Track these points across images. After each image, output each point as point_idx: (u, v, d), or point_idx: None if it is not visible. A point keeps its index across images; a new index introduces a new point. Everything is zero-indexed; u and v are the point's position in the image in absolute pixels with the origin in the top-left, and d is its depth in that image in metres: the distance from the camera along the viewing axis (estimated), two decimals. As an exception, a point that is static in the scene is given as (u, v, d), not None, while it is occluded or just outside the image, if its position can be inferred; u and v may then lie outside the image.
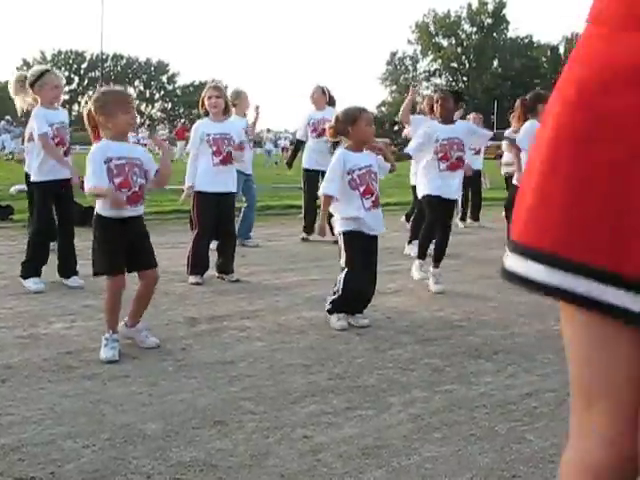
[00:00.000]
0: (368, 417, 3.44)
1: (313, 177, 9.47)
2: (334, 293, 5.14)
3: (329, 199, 5.14)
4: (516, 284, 1.48)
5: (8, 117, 35.82)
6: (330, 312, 5.14)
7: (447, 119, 6.61)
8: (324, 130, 9.28)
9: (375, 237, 5.28)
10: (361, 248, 5.14)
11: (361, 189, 5.14)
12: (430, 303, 6.00)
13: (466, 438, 3.24)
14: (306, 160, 9.66)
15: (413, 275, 6.91)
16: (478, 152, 11.94)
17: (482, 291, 6.58)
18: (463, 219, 12.01)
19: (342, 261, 5.15)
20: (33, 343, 4.47)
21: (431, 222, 6.74)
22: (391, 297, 6.19)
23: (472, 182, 12.00)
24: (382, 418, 3.44)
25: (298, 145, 9.88)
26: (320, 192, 5.28)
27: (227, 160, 6.59)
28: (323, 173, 8.85)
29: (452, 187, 6.60)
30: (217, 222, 6.65)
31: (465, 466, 2.97)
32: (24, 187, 7.36)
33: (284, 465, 2.89)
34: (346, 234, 5.12)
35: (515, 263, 1.47)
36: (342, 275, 5.09)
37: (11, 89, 6.27)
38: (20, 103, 6.23)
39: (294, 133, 9.84)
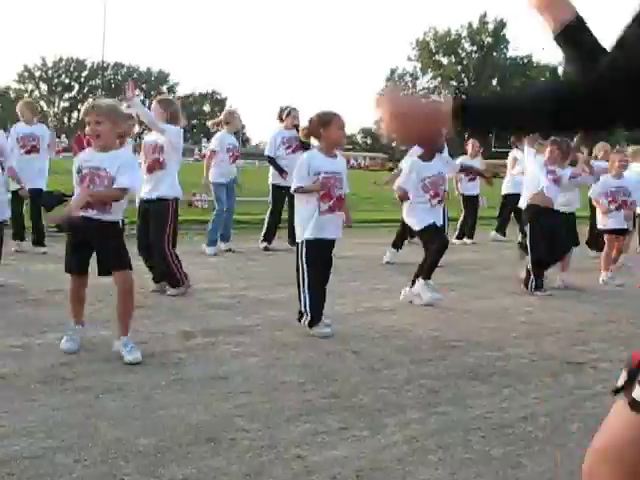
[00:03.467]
0: (363, 438, 3.41)
1: (281, 193, 9.90)
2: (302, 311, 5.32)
3: (302, 188, 5.35)
4: None
5: None
6: (311, 325, 5.27)
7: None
8: (297, 146, 9.55)
9: (331, 242, 5.42)
10: (318, 256, 5.30)
11: (321, 193, 5.31)
12: (426, 322, 5.97)
13: (462, 461, 3.21)
14: (275, 176, 10.03)
15: (423, 297, 6.67)
16: (473, 179, 12.08)
17: (478, 311, 6.57)
18: (460, 237, 12.05)
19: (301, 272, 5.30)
20: (26, 353, 4.43)
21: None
22: (387, 315, 6.16)
23: (470, 204, 12.13)
24: (377, 439, 3.41)
25: (273, 160, 10.10)
26: (292, 188, 5.45)
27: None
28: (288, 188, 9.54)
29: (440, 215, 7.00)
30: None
31: (460, 490, 2.94)
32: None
33: (277, 485, 2.86)
34: (304, 243, 5.28)
35: None
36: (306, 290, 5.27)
37: None
38: None
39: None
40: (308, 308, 5.25)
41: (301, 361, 4.62)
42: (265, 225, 10.22)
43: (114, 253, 4.48)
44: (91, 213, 4.41)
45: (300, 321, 5.30)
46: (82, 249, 4.50)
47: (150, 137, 6.67)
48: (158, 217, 6.52)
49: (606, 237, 8.78)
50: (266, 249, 9.99)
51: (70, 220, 4.42)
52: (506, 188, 12.04)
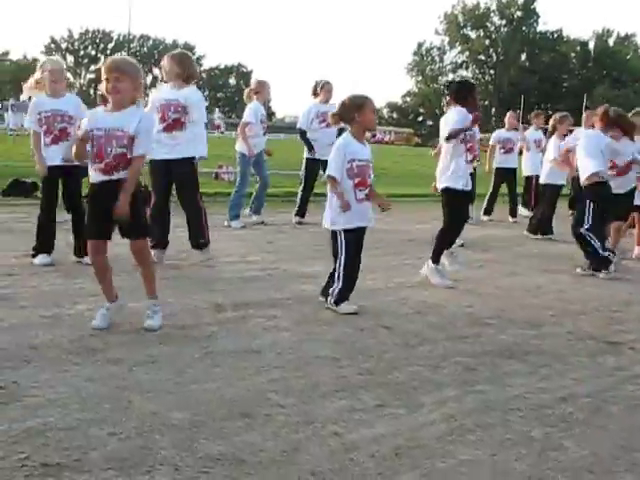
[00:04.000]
0: (400, 416, 3.34)
1: (314, 167, 9.85)
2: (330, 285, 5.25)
3: (335, 181, 5.16)
4: None
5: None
6: (337, 303, 5.17)
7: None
8: None
9: (364, 229, 5.31)
10: (353, 242, 5.21)
11: (356, 180, 5.17)
12: (459, 298, 5.87)
13: (501, 442, 3.13)
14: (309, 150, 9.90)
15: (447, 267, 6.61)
16: (509, 151, 11.81)
17: (510, 288, 6.45)
18: (487, 213, 11.90)
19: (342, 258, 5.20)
20: (57, 323, 4.40)
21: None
22: (419, 290, 6.07)
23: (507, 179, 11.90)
24: (414, 417, 3.34)
25: (304, 134, 9.96)
26: (327, 173, 5.26)
27: None
28: (324, 162, 9.26)
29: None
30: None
31: (501, 472, 2.86)
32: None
33: (315, 463, 2.80)
34: (344, 232, 5.17)
35: None
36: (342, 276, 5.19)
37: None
38: None
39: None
40: (336, 290, 5.18)
41: (334, 336, 4.56)
42: (298, 200, 10.11)
43: (136, 218, 4.37)
44: (115, 175, 4.30)
45: (326, 300, 5.22)
46: (104, 215, 4.32)
47: (167, 95, 6.51)
48: (187, 177, 6.53)
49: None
50: (299, 223, 9.90)
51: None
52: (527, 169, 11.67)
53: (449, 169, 6.34)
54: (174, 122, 6.44)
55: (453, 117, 6.36)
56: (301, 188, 10.12)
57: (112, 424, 3.00)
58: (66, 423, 2.98)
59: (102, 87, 4.38)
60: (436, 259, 6.41)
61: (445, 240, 6.44)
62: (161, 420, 3.08)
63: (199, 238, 6.68)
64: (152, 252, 6.54)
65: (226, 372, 3.75)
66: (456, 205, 6.42)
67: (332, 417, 3.25)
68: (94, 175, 4.36)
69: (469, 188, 6.47)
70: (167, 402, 3.29)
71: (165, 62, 6.60)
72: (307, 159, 9.97)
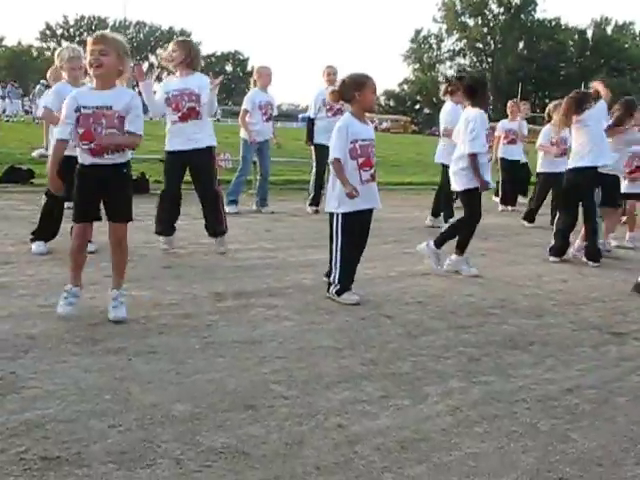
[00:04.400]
0: (404, 407, 3.29)
1: (325, 152, 9.52)
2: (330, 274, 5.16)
3: (339, 163, 5.02)
4: None
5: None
6: (339, 293, 5.08)
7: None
8: (339, 110, 9.27)
9: (370, 211, 5.21)
10: (356, 226, 5.11)
11: (360, 160, 5.06)
12: (460, 287, 5.82)
13: (508, 434, 3.08)
14: (318, 134, 9.67)
15: (463, 271, 6.44)
16: (512, 142, 11.70)
17: (512, 277, 6.40)
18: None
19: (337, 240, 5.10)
20: (55, 313, 4.33)
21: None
22: (420, 279, 6.02)
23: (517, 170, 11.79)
24: (419, 409, 3.29)
25: (311, 123, 9.84)
26: (331, 156, 5.12)
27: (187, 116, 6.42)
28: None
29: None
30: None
31: (509, 465, 2.81)
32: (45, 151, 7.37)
33: (319, 456, 2.74)
34: (342, 215, 5.06)
35: None
36: (338, 261, 5.10)
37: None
38: None
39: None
40: (337, 278, 5.10)
41: (336, 326, 4.50)
42: (312, 189, 9.94)
43: (121, 202, 4.29)
44: (106, 159, 4.19)
45: (328, 290, 5.15)
46: (93, 200, 4.25)
47: (178, 84, 6.43)
48: (207, 166, 6.53)
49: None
50: (317, 212, 9.70)
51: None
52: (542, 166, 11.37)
53: (464, 170, 6.27)
54: (189, 111, 6.39)
55: (474, 117, 6.23)
56: (314, 176, 9.92)
57: (112, 416, 2.94)
58: (65, 415, 2.92)
59: (85, 61, 4.26)
60: (461, 251, 6.40)
61: (469, 231, 6.39)
62: (162, 412, 3.02)
63: (217, 225, 6.66)
64: (160, 239, 6.53)
65: (228, 362, 3.69)
66: (476, 202, 6.36)
67: (336, 408, 3.20)
68: (83, 156, 4.22)
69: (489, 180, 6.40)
70: (168, 393, 3.23)
71: (170, 48, 6.53)
72: (316, 145, 9.75)
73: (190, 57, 6.39)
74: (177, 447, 2.72)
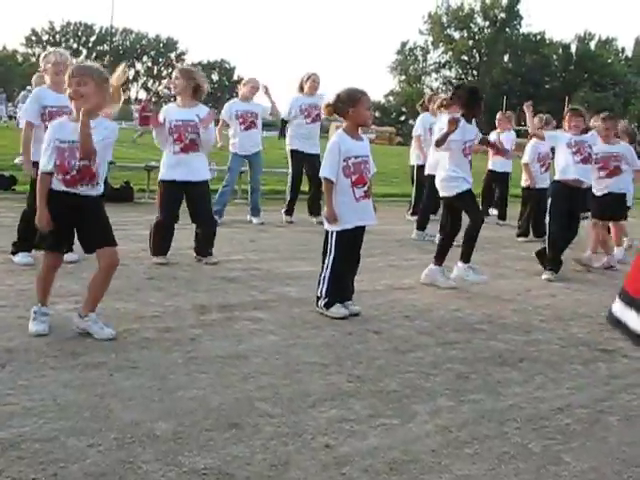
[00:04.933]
0: (393, 427, 3.20)
1: (300, 159, 9.74)
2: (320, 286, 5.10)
3: (330, 183, 4.96)
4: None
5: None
6: (328, 306, 5.01)
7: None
8: (317, 115, 9.39)
9: (363, 228, 5.15)
10: (349, 243, 5.06)
11: (353, 178, 4.99)
12: (447, 302, 5.75)
13: (499, 456, 3.01)
14: (292, 140, 9.72)
15: (470, 279, 6.48)
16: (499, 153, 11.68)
17: (499, 291, 6.35)
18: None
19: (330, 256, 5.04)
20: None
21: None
22: (407, 293, 5.95)
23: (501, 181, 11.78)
24: (408, 428, 3.20)
25: (285, 124, 9.83)
26: (321, 175, 5.04)
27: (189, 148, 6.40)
28: (305, 154, 9.57)
29: None
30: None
31: (501, 488, 2.73)
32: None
33: (306, 478, 2.65)
34: (337, 233, 5.00)
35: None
36: (327, 275, 5.04)
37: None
38: None
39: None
40: (324, 292, 5.02)
41: (322, 341, 4.41)
42: (288, 198, 9.91)
43: (103, 229, 4.18)
44: (80, 189, 4.08)
45: (317, 304, 5.07)
46: (65, 226, 4.14)
47: (180, 114, 6.35)
48: (206, 196, 6.64)
49: None
50: (290, 222, 9.72)
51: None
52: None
53: (451, 176, 6.26)
54: (191, 143, 6.35)
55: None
56: (289, 184, 9.89)
57: (91, 435, 2.84)
58: (42, 434, 2.81)
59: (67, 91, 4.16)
60: (467, 258, 6.41)
61: (475, 237, 6.40)
62: (143, 431, 2.92)
63: (209, 247, 6.66)
64: (153, 259, 6.43)
65: (212, 379, 3.59)
66: (473, 202, 6.41)
67: (323, 428, 3.11)
68: (56, 183, 4.11)
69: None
70: (149, 411, 3.13)
71: (174, 76, 6.52)
72: (292, 151, 9.74)
73: (193, 87, 6.34)
74: (159, 468, 2.62)
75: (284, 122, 9.77)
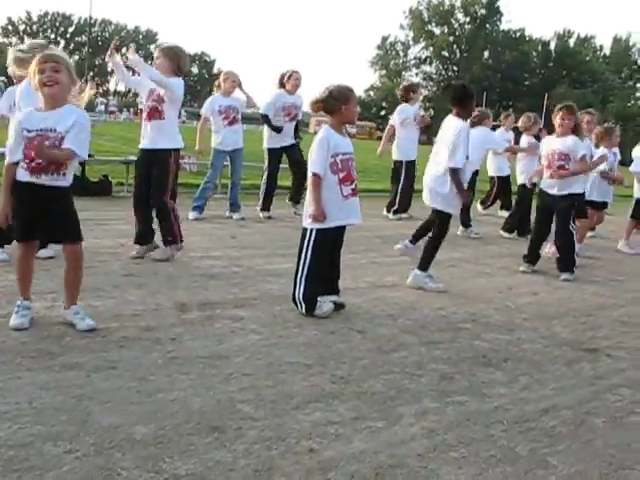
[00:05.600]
0: (378, 430, 3.15)
1: (276, 156, 9.72)
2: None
3: (319, 179, 4.85)
4: None
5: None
6: (309, 311, 4.92)
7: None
8: (296, 115, 9.48)
9: (344, 228, 5.11)
10: (328, 243, 4.99)
11: (341, 175, 4.91)
12: (430, 300, 5.70)
13: (486, 459, 2.96)
14: (269, 139, 9.64)
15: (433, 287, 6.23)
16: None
17: (482, 289, 6.32)
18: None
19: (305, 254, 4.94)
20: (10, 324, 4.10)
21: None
22: (390, 291, 5.89)
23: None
24: (393, 431, 3.15)
25: (268, 120, 9.62)
26: (309, 171, 4.92)
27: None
28: (284, 148, 9.59)
29: None
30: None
31: (488, 494, 2.69)
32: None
33: (291, 484, 2.59)
34: (317, 231, 4.90)
35: None
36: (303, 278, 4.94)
37: None
38: None
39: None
40: (301, 296, 4.91)
41: (304, 340, 4.35)
42: (262, 193, 9.80)
43: (67, 223, 4.09)
44: (43, 179, 3.98)
45: (297, 307, 4.97)
46: (32, 215, 4.05)
47: (147, 82, 6.25)
48: (159, 169, 6.28)
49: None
50: (269, 218, 9.62)
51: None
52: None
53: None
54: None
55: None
56: (264, 180, 9.77)
57: (69, 440, 2.75)
58: (18, 439, 2.72)
59: (34, 82, 4.01)
60: (426, 267, 6.18)
61: (437, 247, 6.22)
62: (122, 435, 2.83)
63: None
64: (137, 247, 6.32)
65: (193, 380, 3.51)
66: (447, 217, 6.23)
67: (307, 431, 3.05)
68: (21, 173, 4.01)
69: None
70: (129, 414, 3.04)
71: (155, 55, 6.45)
72: (268, 149, 9.66)
73: (177, 66, 6.27)
74: (139, 475, 2.54)
75: (266, 118, 9.62)
